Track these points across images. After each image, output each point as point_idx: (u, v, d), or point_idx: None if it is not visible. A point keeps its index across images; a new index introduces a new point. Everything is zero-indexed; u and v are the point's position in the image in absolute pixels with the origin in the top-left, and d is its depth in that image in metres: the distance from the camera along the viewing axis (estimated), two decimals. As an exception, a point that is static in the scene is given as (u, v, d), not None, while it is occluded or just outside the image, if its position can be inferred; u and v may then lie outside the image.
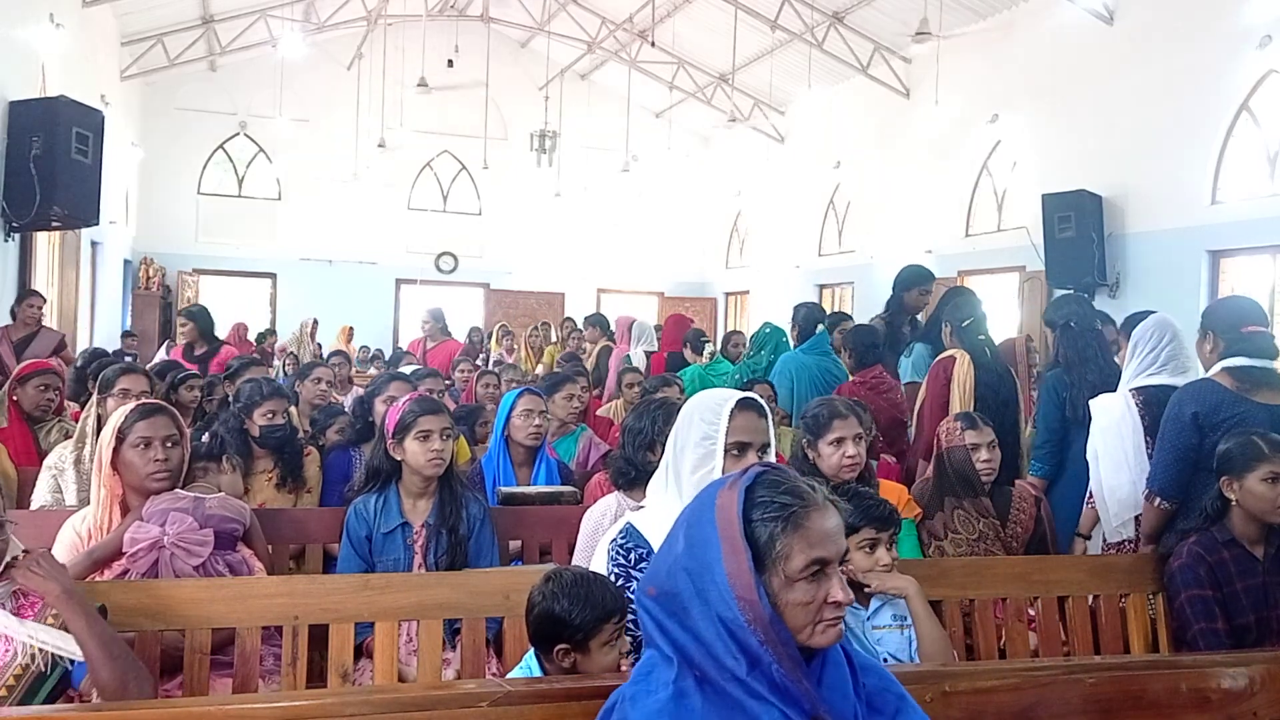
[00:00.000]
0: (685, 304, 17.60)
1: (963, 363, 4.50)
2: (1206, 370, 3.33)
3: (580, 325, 12.64)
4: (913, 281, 5.56)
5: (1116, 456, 3.52)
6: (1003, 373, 4.59)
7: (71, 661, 2.08)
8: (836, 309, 14.96)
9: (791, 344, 6.17)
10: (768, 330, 6.52)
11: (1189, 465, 3.13)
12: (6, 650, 2.03)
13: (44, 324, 7.30)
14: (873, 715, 1.48)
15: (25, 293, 7.42)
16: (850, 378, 5.39)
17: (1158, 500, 3.21)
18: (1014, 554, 3.24)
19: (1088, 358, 4.13)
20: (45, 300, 7.62)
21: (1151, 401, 3.53)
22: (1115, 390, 3.83)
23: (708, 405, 2.16)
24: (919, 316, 5.75)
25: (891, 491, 3.29)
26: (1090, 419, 3.80)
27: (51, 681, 2.06)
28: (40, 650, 2.03)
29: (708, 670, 1.37)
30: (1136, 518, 3.48)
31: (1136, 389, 3.61)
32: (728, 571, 1.36)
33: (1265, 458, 2.80)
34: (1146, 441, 3.49)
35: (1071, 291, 4.74)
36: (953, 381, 4.50)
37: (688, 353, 7.20)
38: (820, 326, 5.91)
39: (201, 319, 6.95)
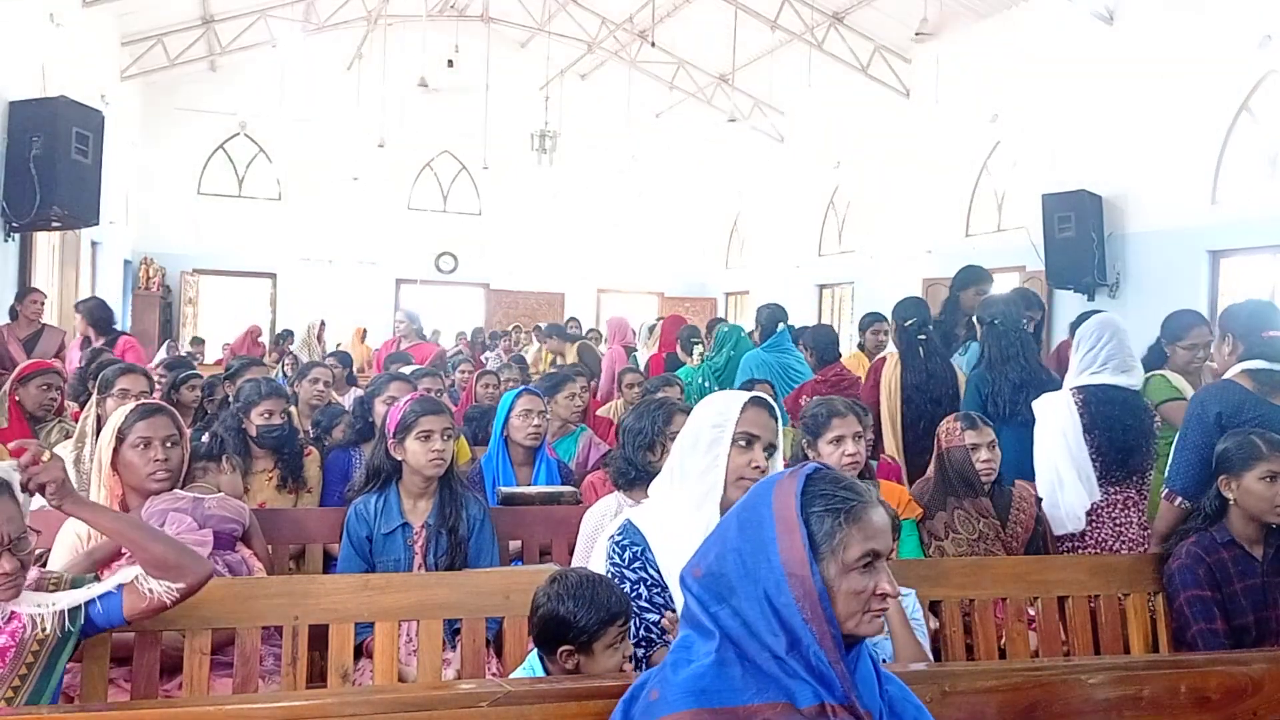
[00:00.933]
0: (685, 304, 17.59)
1: (890, 363, 4.86)
2: (1221, 371, 3.38)
3: (581, 326, 12.68)
4: (969, 281, 5.31)
5: (1063, 455, 3.58)
6: (935, 372, 4.78)
7: (89, 614, 2.09)
8: (836, 309, 15.00)
9: (755, 342, 6.45)
10: (726, 329, 6.77)
11: (1210, 464, 3.10)
12: (17, 631, 2.04)
13: (46, 322, 7.33)
14: (893, 718, 1.54)
15: (25, 290, 7.41)
16: (813, 375, 5.69)
17: (1178, 500, 3.22)
18: (1014, 554, 3.24)
19: (1010, 356, 4.22)
20: (46, 296, 7.61)
21: (1090, 400, 3.62)
22: (1039, 387, 3.98)
23: (721, 399, 2.22)
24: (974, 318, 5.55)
25: (892, 492, 3.29)
26: (1012, 415, 3.94)
27: (71, 644, 2.07)
28: (45, 619, 2.02)
29: (747, 649, 1.44)
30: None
31: (1077, 388, 3.70)
32: (781, 550, 1.44)
33: (1263, 456, 2.80)
34: (1086, 439, 3.59)
35: (1000, 292, 4.99)
36: (881, 380, 4.81)
37: (680, 353, 7.26)
38: (781, 325, 6.20)
39: (90, 313, 6.91)
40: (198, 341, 13.84)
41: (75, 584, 2.11)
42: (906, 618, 2.46)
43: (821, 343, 5.71)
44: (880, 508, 1.51)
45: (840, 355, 5.74)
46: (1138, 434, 3.61)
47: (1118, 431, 3.61)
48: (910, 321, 4.90)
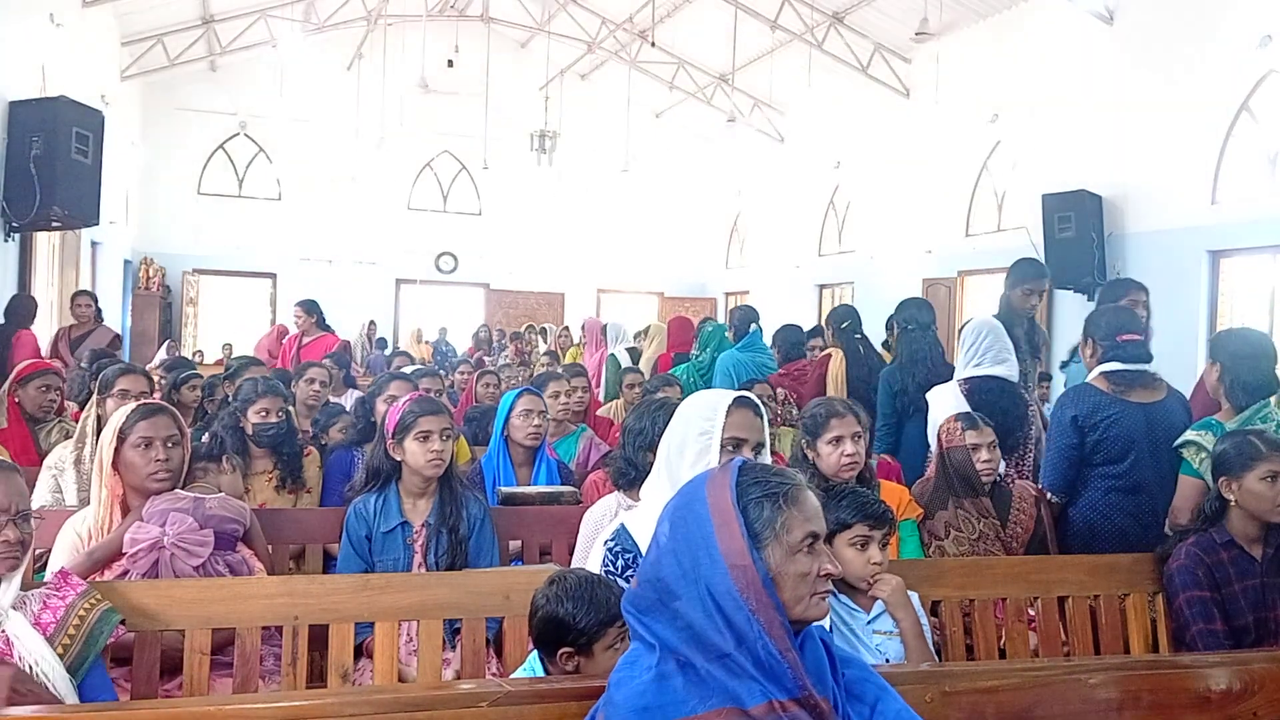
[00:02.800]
0: (685, 304, 17.59)
1: (836, 359, 5.56)
2: (1089, 371, 3.71)
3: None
4: (1016, 280, 4.80)
5: None
6: (874, 367, 5.47)
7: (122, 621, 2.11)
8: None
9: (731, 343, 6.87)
10: (710, 329, 7.20)
11: (1073, 462, 3.50)
12: (59, 608, 2.04)
13: (103, 322, 7.65)
14: (853, 702, 1.52)
15: (75, 293, 7.70)
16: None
17: (1050, 495, 3.56)
18: (1014, 554, 3.24)
19: (919, 358, 4.76)
20: (94, 298, 7.78)
21: (975, 390, 4.05)
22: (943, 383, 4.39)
23: (705, 402, 2.17)
24: (1037, 321, 5.09)
25: (892, 493, 3.29)
26: (917, 410, 4.35)
27: (109, 629, 2.09)
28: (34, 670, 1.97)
29: (691, 655, 1.41)
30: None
31: (964, 379, 4.14)
32: (720, 542, 1.43)
33: (1263, 456, 2.80)
34: None
35: (916, 297, 5.39)
36: (828, 375, 5.48)
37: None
38: (754, 326, 6.60)
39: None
40: (197, 354, 13.90)
41: (86, 647, 2.04)
42: (923, 630, 2.46)
43: (788, 341, 6.22)
44: (810, 491, 1.53)
45: (806, 353, 6.17)
46: (1014, 418, 4.01)
47: (997, 415, 3.87)
48: (846, 324, 5.69)
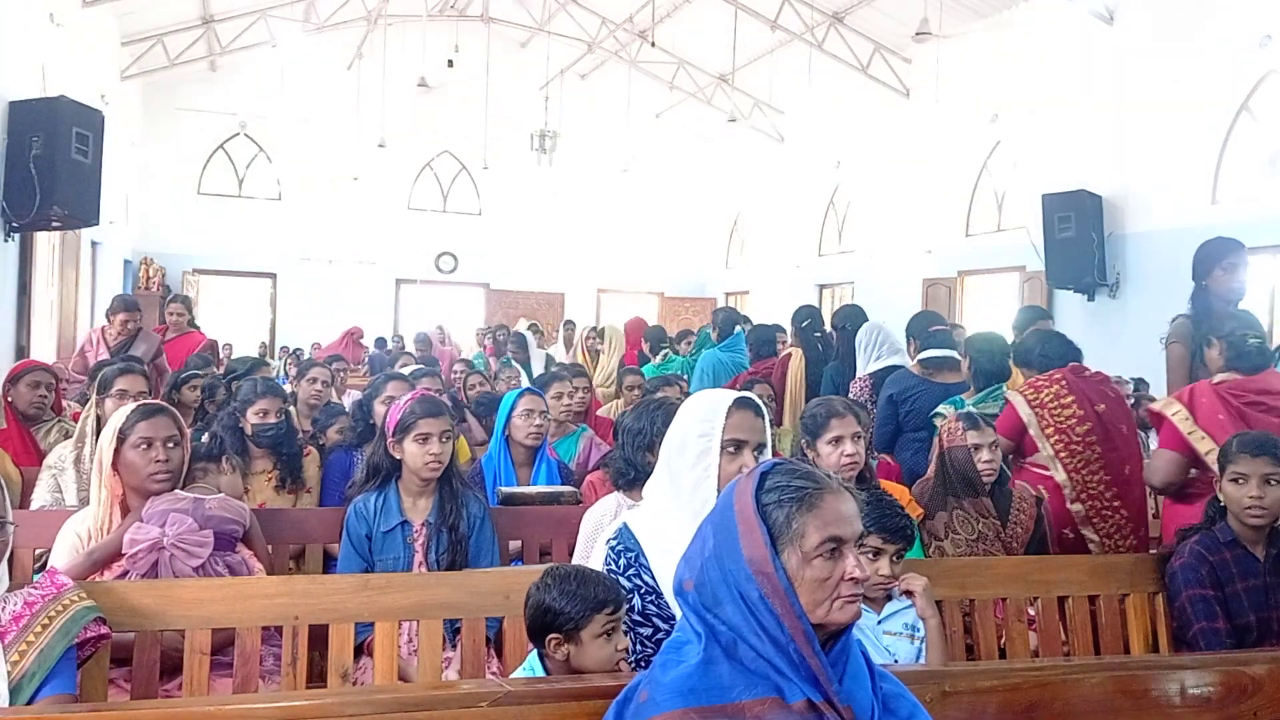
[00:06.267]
0: (685, 304, 17.60)
1: (796, 357, 5.97)
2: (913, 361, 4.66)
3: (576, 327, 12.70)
4: (1211, 260, 4.16)
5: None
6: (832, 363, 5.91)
7: (101, 620, 2.05)
8: (837, 309, 15.01)
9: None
10: (707, 332, 7.61)
11: (891, 430, 4.51)
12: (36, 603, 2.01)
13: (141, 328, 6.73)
14: (888, 716, 1.54)
15: (126, 304, 6.66)
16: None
17: (874, 452, 4.39)
18: (1014, 554, 3.23)
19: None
20: (138, 315, 6.73)
21: (876, 383, 4.91)
22: None
23: (705, 403, 2.16)
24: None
25: (892, 492, 3.29)
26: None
27: (77, 629, 2.01)
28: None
29: (737, 650, 1.45)
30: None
31: (868, 374, 5.00)
32: (744, 548, 1.45)
33: (1232, 458, 2.79)
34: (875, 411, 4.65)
35: (852, 303, 6.14)
36: (788, 373, 5.86)
37: (649, 353, 7.74)
38: (738, 328, 6.88)
39: None
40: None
41: (51, 647, 1.96)
42: (944, 634, 2.46)
43: (760, 340, 6.46)
44: (844, 494, 1.50)
45: (776, 351, 6.38)
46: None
47: None
48: (806, 323, 6.08)
